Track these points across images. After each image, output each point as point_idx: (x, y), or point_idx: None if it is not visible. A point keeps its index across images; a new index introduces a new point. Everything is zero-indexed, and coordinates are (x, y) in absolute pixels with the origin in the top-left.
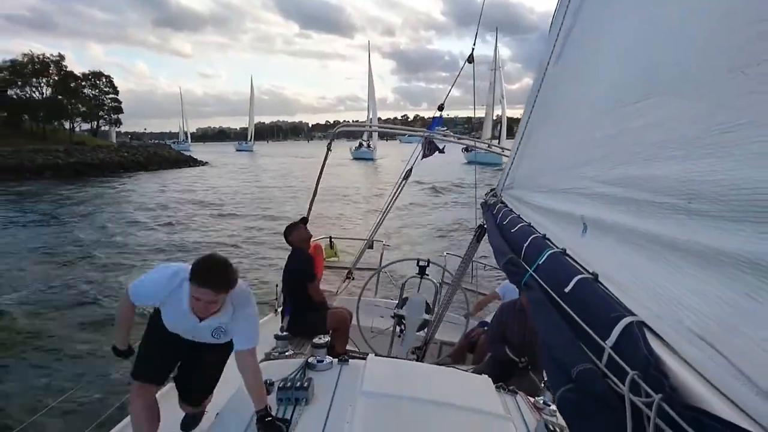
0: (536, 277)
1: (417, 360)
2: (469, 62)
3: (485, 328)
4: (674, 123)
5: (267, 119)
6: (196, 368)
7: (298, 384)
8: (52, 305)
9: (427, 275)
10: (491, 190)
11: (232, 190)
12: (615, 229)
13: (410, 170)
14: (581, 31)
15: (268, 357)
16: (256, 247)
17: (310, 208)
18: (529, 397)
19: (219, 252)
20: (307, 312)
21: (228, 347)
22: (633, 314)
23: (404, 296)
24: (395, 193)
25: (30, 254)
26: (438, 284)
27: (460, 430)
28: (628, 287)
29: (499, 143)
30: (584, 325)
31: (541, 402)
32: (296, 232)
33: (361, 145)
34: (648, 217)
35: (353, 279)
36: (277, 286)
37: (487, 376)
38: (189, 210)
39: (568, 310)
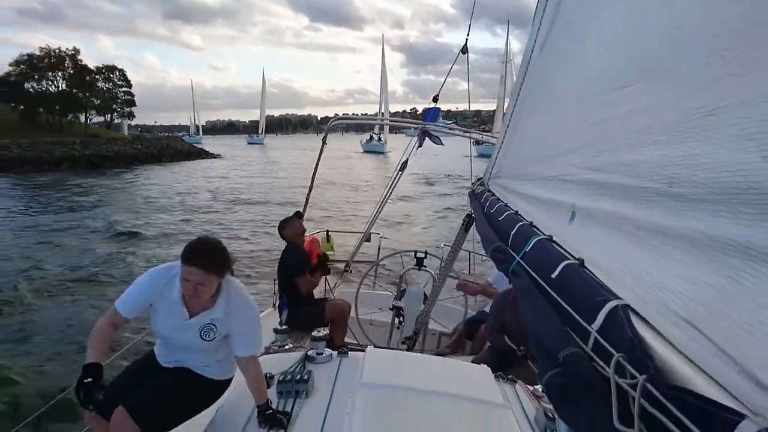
0: (523, 264)
1: (408, 350)
2: (463, 53)
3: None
4: (657, 108)
5: (276, 112)
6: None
7: (298, 377)
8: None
9: (425, 266)
10: (478, 180)
11: (246, 182)
12: (601, 216)
13: (406, 162)
14: (565, 20)
15: (267, 351)
16: (267, 238)
17: (306, 202)
18: (528, 386)
19: (233, 242)
20: (305, 305)
21: (193, 382)
22: (619, 298)
23: (402, 288)
24: (391, 185)
25: (57, 237)
26: (435, 275)
27: (460, 419)
28: (614, 272)
29: (379, 137)
30: (570, 310)
31: (540, 390)
32: (290, 226)
33: (371, 138)
34: (633, 202)
35: (351, 272)
36: (275, 280)
37: (485, 365)
38: (204, 200)
39: (555, 295)
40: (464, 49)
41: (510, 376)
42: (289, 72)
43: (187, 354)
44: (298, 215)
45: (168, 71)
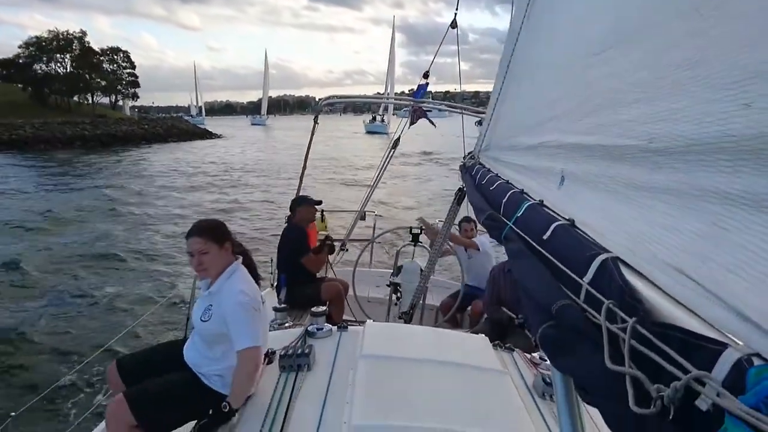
0: (515, 229)
1: (405, 323)
2: (452, 27)
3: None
4: (634, 68)
5: (274, 93)
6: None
7: (299, 351)
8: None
9: (421, 242)
10: (469, 153)
11: (255, 158)
12: (588, 177)
13: (398, 139)
14: None
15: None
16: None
17: (300, 184)
18: (526, 354)
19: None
20: (303, 285)
21: (196, 388)
22: (609, 252)
23: (399, 264)
24: (384, 163)
25: (75, 214)
26: (430, 250)
27: (460, 386)
28: (603, 229)
29: (382, 119)
30: (562, 266)
31: (537, 357)
32: (305, 208)
33: (374, 119)
34: (617, 161)
35: (347, 250)
36: (271, 260)
37: (483, 335)
38: (218, 177)
39: (547, 254)
40: (453, 24)
41: (507, 345)
42: (287, 53)
43: (194, 343)
44: (317, 203)
45: (165, 51)
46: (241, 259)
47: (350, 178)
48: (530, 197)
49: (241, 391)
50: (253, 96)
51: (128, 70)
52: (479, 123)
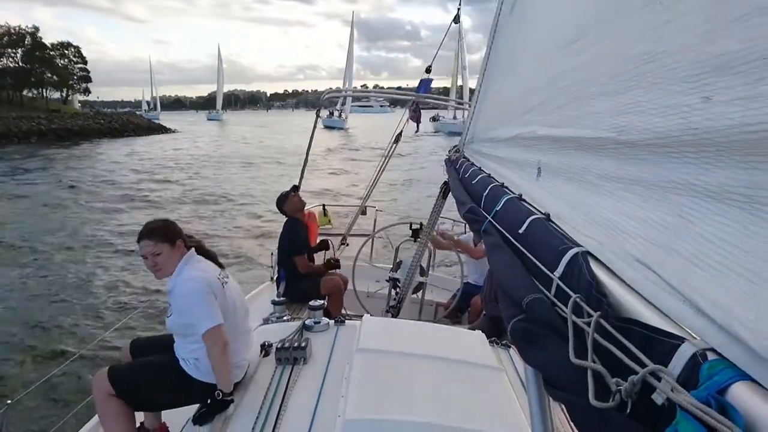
0: (494, 223)
1: (393, 317)
2: (455, 23)
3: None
4: (603, 60)
5: (224, 88)
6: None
7: (296, 344)
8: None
9: (421, 238)
10: (454, 147)
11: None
12: (564, 169)
13: (400, 134)
14: None
15: (266, 322)
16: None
17: (301, 176)
18: None
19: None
20: (301, 279)
21: (174, 371)
22: (580, 246)
23: (398, 260)
24: (386, 157)
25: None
26: (431, 247)
27: (455, 381)
28: (577, 223)
29: (463, 114)
30: (535, 261)
31: None
32: (288, 202)
33: (331, 113)
34: (589, 152)
35: (348, 245)
36: (272, 254)
37: (480, 331)
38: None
39: (522, 249)
40: (456, 19)
41: (504, 341)
42: (237, 47)
43: (176, 339)
44: (295, 189)
45: (108, 44)
46: (192, 250)
47: (313, 164)
48: (510, 191)
49: (221, 373)
50: (202, 91)
51: (80, 65)
52: (433, 119)
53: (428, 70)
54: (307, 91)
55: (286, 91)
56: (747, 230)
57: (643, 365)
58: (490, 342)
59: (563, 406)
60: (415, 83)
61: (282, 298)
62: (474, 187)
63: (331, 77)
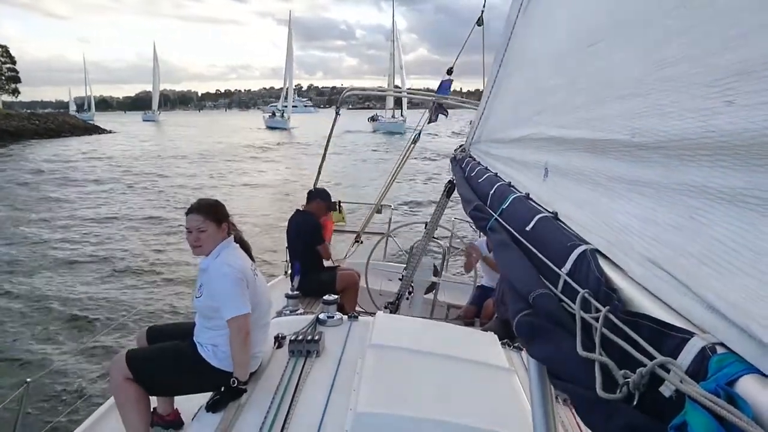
0: (500, 220)
1: (391, 313)
2: (479, 25)
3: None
4: (622, 64)
5: (151, 87)
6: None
7: (309, 337)
8: None
9: (435, 238)
10: (460, 146)
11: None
12: (573, 170)
13: (419, 133)
14: None
15: (279, 314)
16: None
17: (318, 174)
18: None
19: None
20: (318, 273)
21: (192, 357)
22: (588, 243)
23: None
24: (404, 156)
25: None
26: (446, 247)
27: (466, 381)
28: (585, 222)
29: (401, 113)
30: (542, 257)
31: None
32: (320, 204)
33: (274, 114)
34: (600, 155)
35: (362, 243)
36: (287, 247)
37: (493, 332)
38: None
39: (529, 245)
40: (479, 21)
41: (516, 344)
42: (166, 45)
43: (197, 318)
44: (331, 205)
45: (29, 42)
46: (232, 237)
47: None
48: (517, 190)
49: (240, 360)
50: (128, 90)
51: (8, 65)
52: (372, 119)
53: (449, 72)
54: (240, 90)
55: (218, 91)
56: (760, 232)
57: (651, 358)
58: (502, 344)
59: (562, 400)
60: (349, 83)
61: (296, 292)
62: (480, 186)
63: (264, 77)
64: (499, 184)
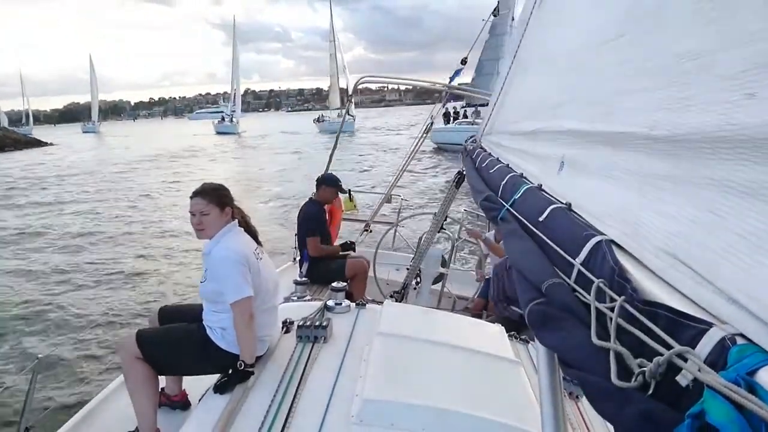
0: (512, 210)
1: (397, 302)
2: (494, 15)
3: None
4: (643, 58)
5: (82, 98)
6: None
7: (317, 323)
8: None
9: (444, 229)
10: (471, 137)
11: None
12: (588, 163)
13: (431, 124)
14: None
15: (287, 300)
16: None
17: (328, 165)
18: None
19: None
20: (326, 260)
21: (201, 339)
22: (603, 234)
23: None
24: (415, 147)
25: None
26: (455, 239)
27: (472, 371)
28: (599, 214)
29: (348, 111)
30: (556, 247)
31: None
32: (327, 189)
33: (223, 119)
34: (617, 148)
35: (371, 232)
36: (295, 234)
37: (500, 324)
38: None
39: (542, 236)
40: (495, 11)
41: (523, 336)
42: (96, 54)
43: (204, 303)
44: (340, 188)
45: None
46: (236, 221)
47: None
48: (529, 181)
49: (245, 343)
50: (55, 103)
51: None
52: (317, 120)
53: (464, 62)
54: (175, 98)
55: (152, 99)
56: None
57: (668, 348)
58: (509, 336)
59: (567, 393)
60: (287, 85)
61: (304, 279)
62: (491, 177)
63: (200, 82)
64: (510, 174)
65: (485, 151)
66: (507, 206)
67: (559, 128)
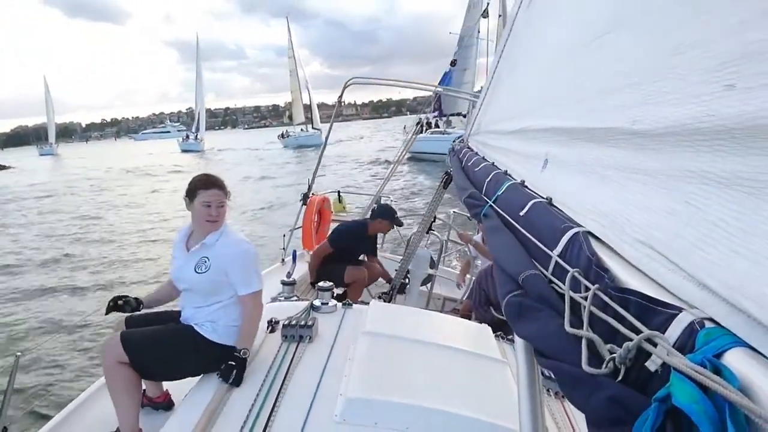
0: (495, 207)
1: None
2: (484, 17)
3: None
4: (628, 54)
5: (30, 121)
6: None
7: (303, 323)
8: None
9: (433, 230)
10: (458, 137)
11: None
12: (571, 160)
13: (428, 123)
14: None
15: (274, 300)
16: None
17: (313, 178)
18: None
19: None
20: (329, 264)
21: (190, 338)
22: (581, 226)
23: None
24: (405, 147)
25: None
26: (444, 240)
27: (457, 370)
28: (579, 207)
29: (313, 125)
30: (534, 240)
31: None
32: (382, 223)
33: (188, 137)
34: (599, 143)
35: None
36: (284, 236)
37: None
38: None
39: (522, 230)
40: (485, 14)
41: (510, 336)
42: (40, 75)
43: (188, 299)
44: (397, 222)
45: None
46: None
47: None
48: (512, 177)
49: (251, 333)
50: (0, 126)
51: None
52: (281, 136)
53: (453, 63)
54: (128, 118)
55: (104, 120)
56: (756, 215)
57: (639, 333)
58: (495, 336)
59: (554, 393)
60: (243, 102)
61: (291, 279)
62: (476, 175)
63: (153, 102)
64: (495, 172)
65: (472, 150)
66: (490, 203)
67: (543, 126)
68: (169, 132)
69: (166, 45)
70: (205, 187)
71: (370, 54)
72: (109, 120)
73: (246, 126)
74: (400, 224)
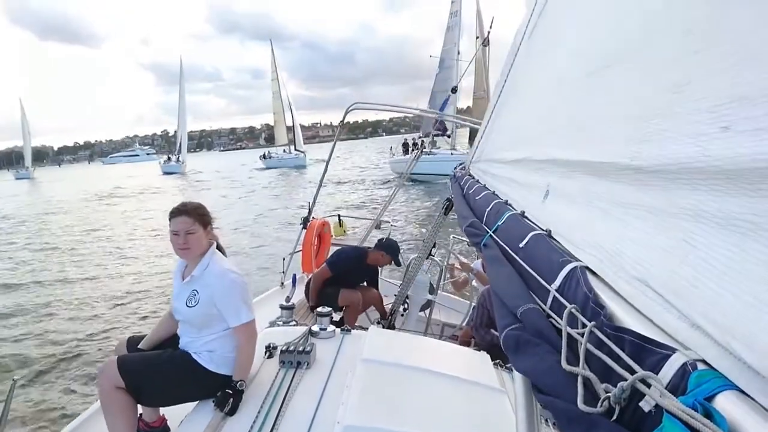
0: (495, 237)
1: (384, 329)
2: (484, 46)
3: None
4: (628, 89)
5: (1, 145)
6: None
7: (301, 348)
8: None
9: (433, 256)
10: (460, 164)
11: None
12: (571, 192)
13: (425, 144)
14: (552, 6)
15: (272, 325)
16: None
17: (314, 200)
18: None
19: None
20: (325, 287)
21: (186, 364)
22: (579, 261)
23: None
24: (408, 169)
25: None
26: (443, 265)
27: (455, 399)
28: (578, 241)
29: (295, 147)
30: (533, 273)
31: None
32: (384, 257)
33: (169, 159)
34: (599, 177)
35: None
36: (284, 259)
37: (485, 352)
38: None
39: (521, 261)
40: (485, 42)
41: (509, 365)
42: (14, 97)
43: (184, 330)
44: (395, 261)
45: None
46: (215, 244)
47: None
48: (513, 208)
49: (246, 365)
50: None
51: None
52: (263, 157)
53: (454, 90)
54: (101, 141)
55: (77, 143)
56: (748, 255)
57: (633, 372)
58: (494, 364)
59: (552, 424)
60: (219, 124)
61: (290, 303)
62: (477, 203)
63: (128, 124)
64: (496, 201)
65: (473, 178)
66: (490, 233)
67: (544, 157)
68: (137, 155)
69: (143, 68)
70: (171, 215)
71: (348, 75)
72: (82, 143)
73: (222, 148)
74: (399, 264)
